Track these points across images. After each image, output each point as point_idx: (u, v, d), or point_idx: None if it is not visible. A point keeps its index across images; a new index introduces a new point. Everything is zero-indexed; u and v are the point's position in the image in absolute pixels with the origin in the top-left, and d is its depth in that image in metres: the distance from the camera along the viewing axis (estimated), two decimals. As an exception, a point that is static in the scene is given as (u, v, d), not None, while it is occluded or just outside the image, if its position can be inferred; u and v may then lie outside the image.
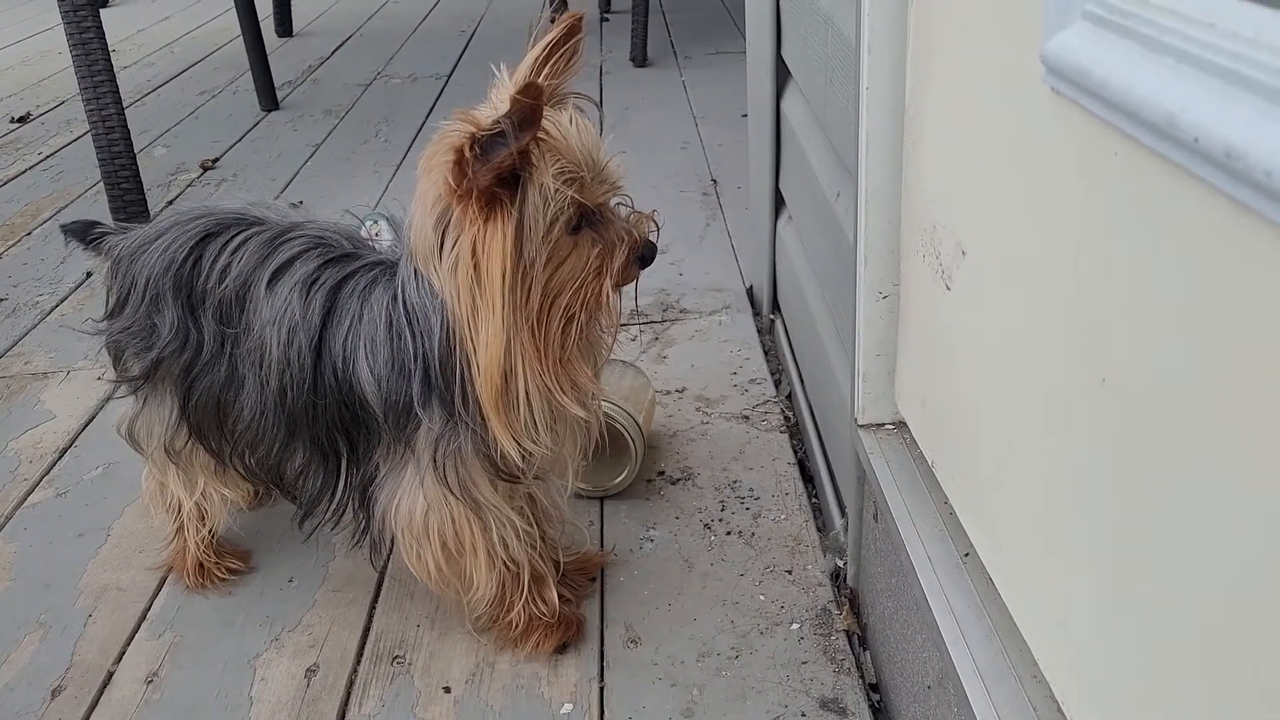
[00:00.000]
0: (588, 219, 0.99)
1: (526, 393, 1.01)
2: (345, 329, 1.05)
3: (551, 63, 0.99)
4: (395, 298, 1.03)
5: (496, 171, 0.91)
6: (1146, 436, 0.59)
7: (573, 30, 1.00)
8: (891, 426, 1.13)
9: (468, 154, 0.91)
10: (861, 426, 1.13)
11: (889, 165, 1.03)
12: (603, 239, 1.01)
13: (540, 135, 0.93)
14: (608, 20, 4.22)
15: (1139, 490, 0.60)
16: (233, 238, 1.13)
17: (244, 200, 1.17)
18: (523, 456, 1.05)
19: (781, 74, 1.69)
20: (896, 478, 1.05)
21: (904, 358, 1.07)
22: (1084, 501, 0.68)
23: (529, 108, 0.89)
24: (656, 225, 1.07)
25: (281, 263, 1.09)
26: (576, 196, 0.96)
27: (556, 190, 0.94)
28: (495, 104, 0.97)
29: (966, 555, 0.94)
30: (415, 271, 1.01)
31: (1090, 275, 0.64)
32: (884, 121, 1.01)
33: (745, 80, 1.93)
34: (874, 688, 1.16)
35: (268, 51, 3.40)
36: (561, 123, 0.97)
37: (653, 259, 1.05)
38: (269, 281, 1.09)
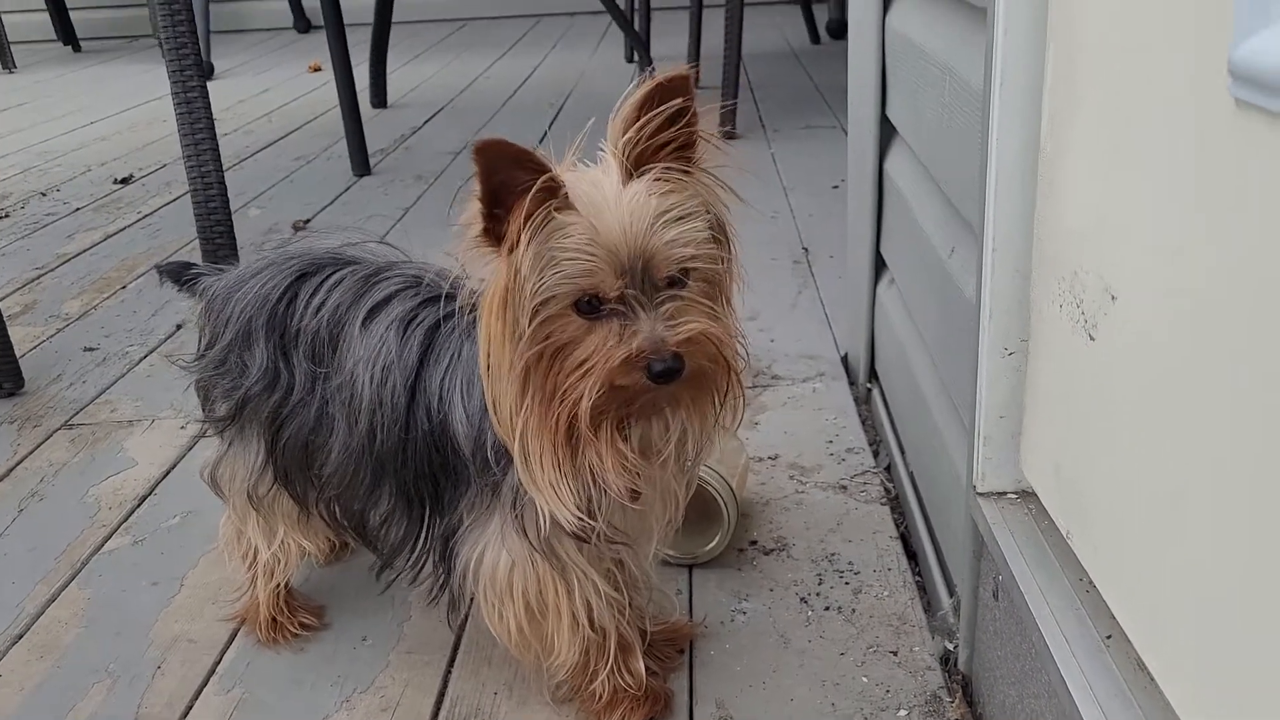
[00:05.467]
0: (606, 305, 0.88)
1: (540, 459, 0.93)
2: (444, 368, 1.00)
3: (639, 125, 0.87)
4: None
5: (487, 213, 0.88)
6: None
7: (665, 90, 0.86)
8: (1015, 496, 1.04)
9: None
10: (981, 495, 1.05)
11: (1019, 211, 0.96)
12: (620, 332, 0.88)
13: (558, 207, 0.86)
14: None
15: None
16: (328, 276, 1.10)
17: (341, 238, 1.15)
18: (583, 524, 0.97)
19: (886, 134, 1.64)
20: (1024, 551, 0.96)
21: (1032, 419, 0.99)
22: (1272, 572, 0.59)
23: (486, 158, 0.85)
24: (715, 342, 0.90)
25: (377, 301, 1.06)
26: (582, 284, 0.87)
27: (534, 272, 0.86)
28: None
29: (1109, 638, 0.84)
30: None
31: (1290, 309, 0.56)
32: (1014, 165, 0.95)
33: (835, 153, 1.90)
34: (992, 785, 1.05)
35: (363, 121, 3.47)
36: (595, 196, 0.87)
37: (668, 377, 0.87)
38: (364, 320, 1.05)
